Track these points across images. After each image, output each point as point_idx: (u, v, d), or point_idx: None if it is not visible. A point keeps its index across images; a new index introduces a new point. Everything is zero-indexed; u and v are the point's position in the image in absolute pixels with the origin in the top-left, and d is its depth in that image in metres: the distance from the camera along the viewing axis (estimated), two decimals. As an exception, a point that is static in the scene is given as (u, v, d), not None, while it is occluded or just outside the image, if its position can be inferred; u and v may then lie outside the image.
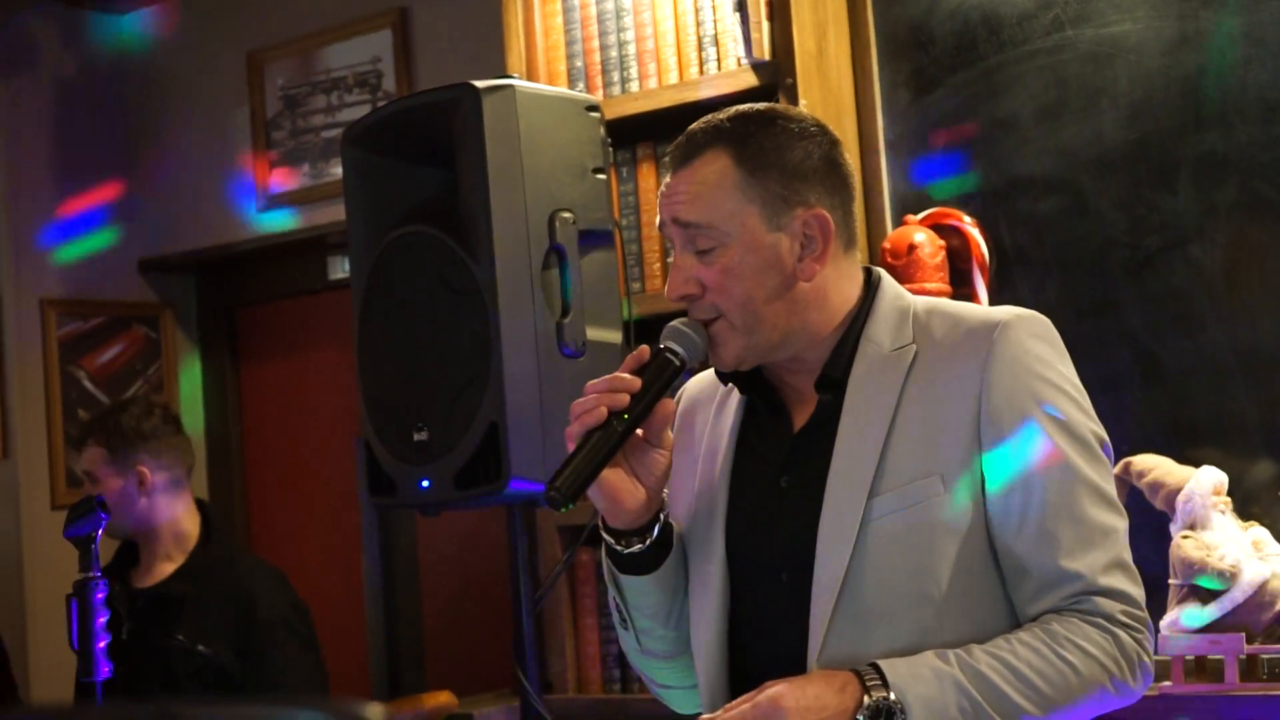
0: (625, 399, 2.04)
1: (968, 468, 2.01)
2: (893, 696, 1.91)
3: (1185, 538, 3.13)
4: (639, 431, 2.08)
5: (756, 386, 2.18)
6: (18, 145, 5.06)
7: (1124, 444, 3.34)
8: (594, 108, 3.33)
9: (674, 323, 2.11)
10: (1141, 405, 3.39)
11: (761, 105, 2.17)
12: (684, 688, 2.29)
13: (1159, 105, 3.38)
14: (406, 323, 3.18)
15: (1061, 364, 2.08)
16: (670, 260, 2.19)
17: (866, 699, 1.92)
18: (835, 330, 2.12)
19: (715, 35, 3.64)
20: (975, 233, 3.52)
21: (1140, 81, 3.40)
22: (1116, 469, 3.24)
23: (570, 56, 3.81)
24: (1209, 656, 3.10)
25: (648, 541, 2.13)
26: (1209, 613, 3.09)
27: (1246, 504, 3.24)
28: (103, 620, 3.20)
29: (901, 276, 3.47)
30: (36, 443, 4.98)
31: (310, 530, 5.19)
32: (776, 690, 1.93)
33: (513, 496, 3.02)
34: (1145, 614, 2.04)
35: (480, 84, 3.14)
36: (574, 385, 2.41)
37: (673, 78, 3.70)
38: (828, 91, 3.59)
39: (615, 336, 3.33)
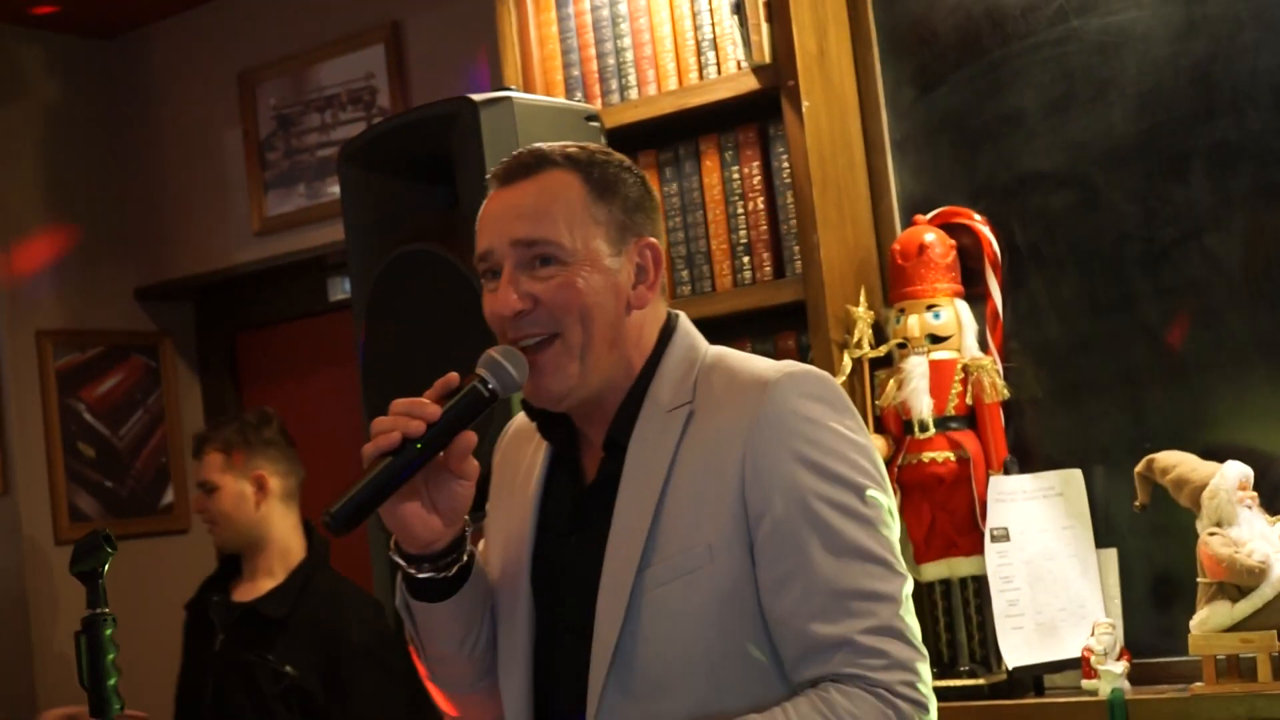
0: (420, 426, 1.95)
1: (735, 535, 1.97)
2: None
3: (1212, 535, 3.08)
4: (442, 457, 1.99)
5: (557, 434, 2.14)
6: (9, 174, 5.01)
7: (1145, 440, 3.29)
8: (593, 117, 3.30)
9: (491, 350, 2.01)
10: (1162, 401, 3.34)
11: (592, 144, 2.15)
12: None
13: (1169, 94, 3.33)
14: (410, 342, 3.13)
15: (835, 421, 2.00)
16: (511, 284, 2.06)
17: None
18: (630, 381, 2.07)
19: (714, 39, 3.59)
20: (986, 230, 3.47)
21: (1149, 71, 3.34)
22: (1140, 466, 3.19)
23: (567, 66, 3.76)
24: (1241, 655, 3.04)
25: (440, 572, 2.06)
26: (1239, 610, 3.04)
27: (1273, 498, 3.18)
28: (111, 657, 3.15)
29: (912, 278, 3.42)
30: (37, 477, 4.92)
31: (318, 556, 5.13)
32: None
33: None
34: (926, 687, 1.95)
35: (478, 97, 3.10)
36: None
37: (672, 84, 3.65)
38: (830, 92, 3.54)
39: (624, 349, 3.28)
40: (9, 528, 4.89)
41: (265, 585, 3.97)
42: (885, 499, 2.01)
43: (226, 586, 4.05)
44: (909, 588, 1.98)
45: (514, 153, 2.10)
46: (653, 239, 2.09)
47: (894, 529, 2.01)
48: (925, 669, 1.96)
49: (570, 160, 2.07)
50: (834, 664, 1.93)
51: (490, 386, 1.98)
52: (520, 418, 2.25)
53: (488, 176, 2.11)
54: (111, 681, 3.15)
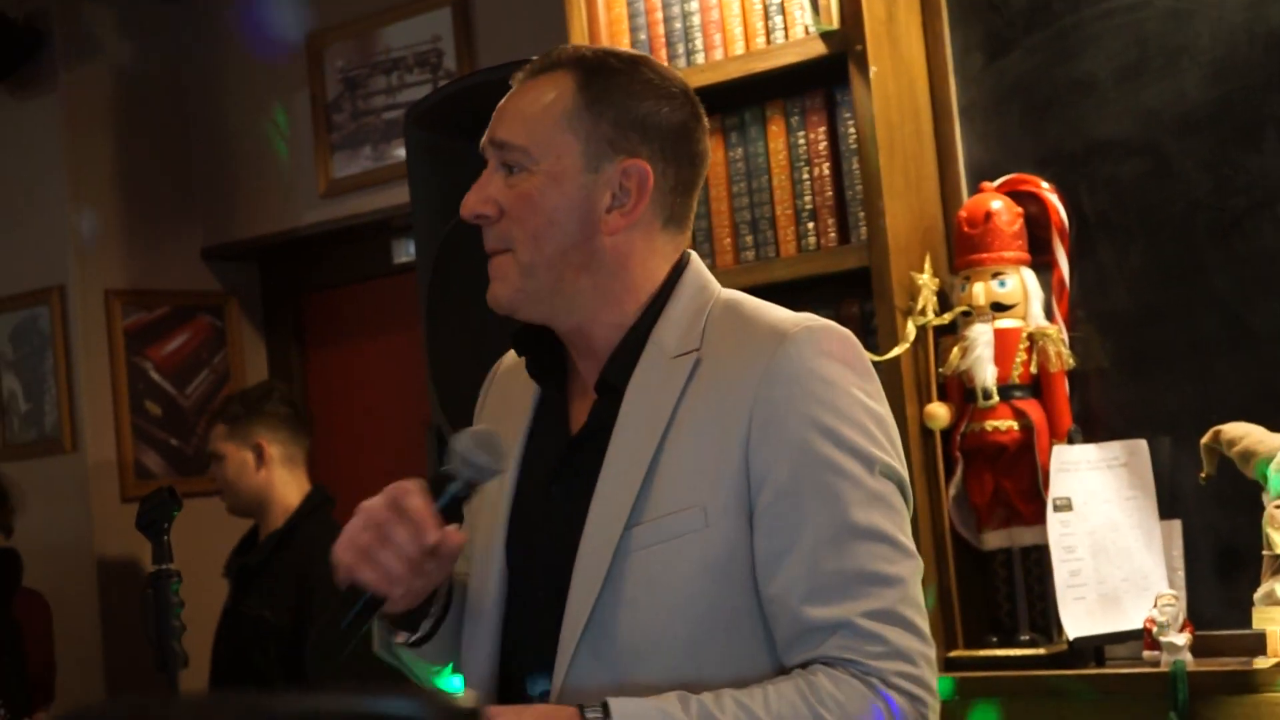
0: (403, 578, 1.79)
1: (734, 500, 1.81)
2: None
3: (1279, 507, 3.05)
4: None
5: (547, 371, 2.00)
6: (79, 136, 5.05)
7: (1213, 412, 3.26)
8: (660, 80, 3.28)
9: (459, 441, 1.83)
10: (1231, 371, 3.30)
11: (637, 53, 1.99)
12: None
13: (1242, 61, 3.28)
14: (475, 305, 3.12)
15: (855, 386, 1.84)
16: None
17: None
18: (629, 318, 1.92)
19: (781, 3, 3.57)
20: (1054, 199, 3.44)
21: (1222, 37, 3.30)
22: (1206, 437, 3.16)
23: (634, 29, 3.75)
24: (1308, 629, 3.02)
25: (417, 635, 1.95)
26: (1306, 583, 3.01)
27: (1342, 471, 3.15)
28: (177, 612, 3.19)
29: (979, 245, 3.40)
30: (105, 435, 4.98)
31: (380, 517, 5.16)
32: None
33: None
34: (928, 679, 1.80)
35: (544, 59, 3.09)
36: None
37: (739, 48, 3.63)
38: (898, 58, 3.51)
39: (687, 314, 3.27)
40: (77, 485, 4.94)
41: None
42: (898, 474, 1.87)
43: (250, 550, 4.28)
44: (919, 571, 1.84)
45: None
46: (642, 161, 1.90)
47: (906, 506, 1.87)
48: (930, 659, 1.81)
49: (577, 63, 1.93)
50: (828, 647, 1.79)
51: (470, 483, 1.83)
52: (509, 359, 2.12)
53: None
54: (177, 637, 3.19)
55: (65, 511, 4.95)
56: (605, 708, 1.74)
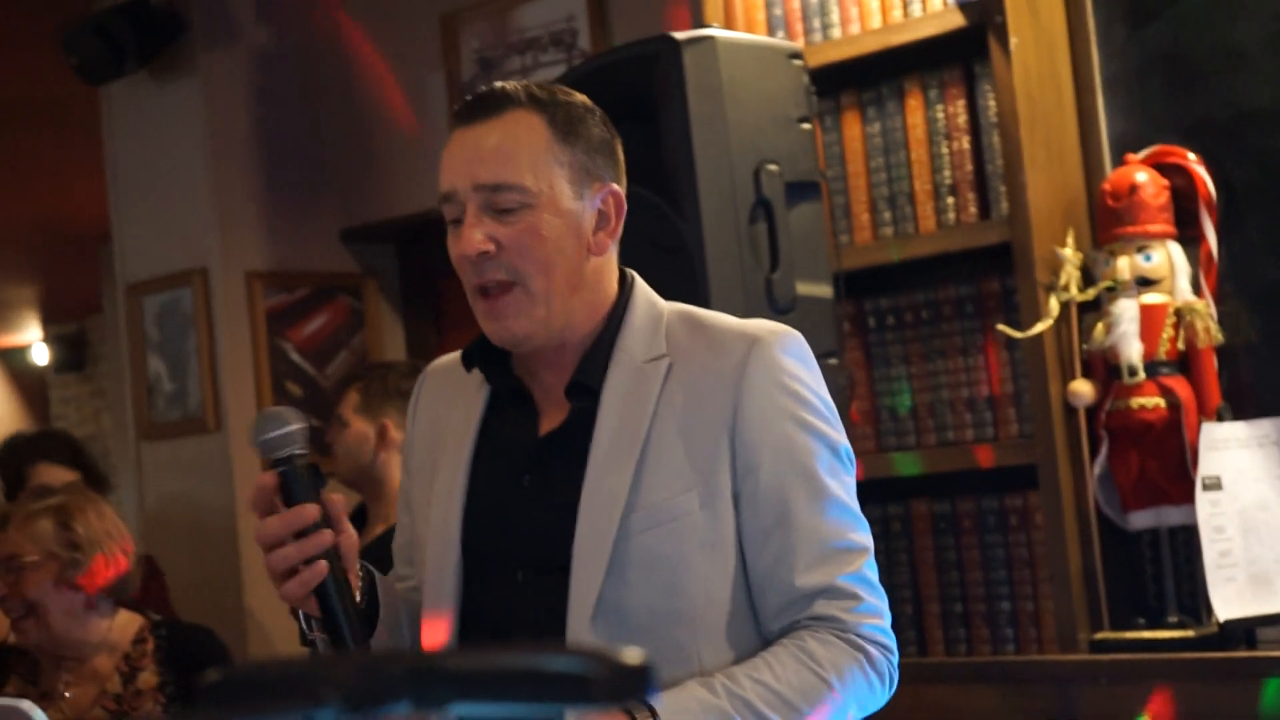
0: (328, 536, 1.97)
1: (719, 485, 2.02)
2: None
3: None
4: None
5: (504, 376, 2.13)
6: (220, 119, 5.11)
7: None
8: (797, 55, 3.25)
9: (257, 423, 1.98)
10: (1387, 346, 3.21)
11: (556, 84, 2.15)
12: None
13: (1399, 27, 3.19)
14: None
15: (814, 381, 2.07)
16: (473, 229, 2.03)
17: None
18: (594, 329, 2.08)
19: (919, -25, 3.52)
20: (1201, 170, 3.36)
21: (1378, 2, 3.21)
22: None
23: (769, 4, 3.72)
24: None
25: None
26: None
27: None
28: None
29: (1124, 219, 3.33)
30: (246, 414, 5.04)
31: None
32: None
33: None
34: (890, 632, 2.06)
35: (680, 35, 3.08)
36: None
37: (875, 21, 3.59)
38: (1039, 29, 3.45)
39: (825, 290, 3.26)
40: (221, 463, 5.02)
41: (379, 531, 4.11)
42: (851, 453, 2.09)
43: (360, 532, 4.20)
44: (871, 545, 2.08)
45: (476, 91, 2.09)
46: (615, 186, 2.08)
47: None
48: (888, 615, 2.06)
49: (534, 100, 2.05)
50: (812, 609, 2.01)
51: (296, 453, 1.97)
52: (441, 361, 2.25)
53: (454, 112, 2.10)
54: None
55: (210, 490, 5.03)
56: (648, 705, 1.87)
